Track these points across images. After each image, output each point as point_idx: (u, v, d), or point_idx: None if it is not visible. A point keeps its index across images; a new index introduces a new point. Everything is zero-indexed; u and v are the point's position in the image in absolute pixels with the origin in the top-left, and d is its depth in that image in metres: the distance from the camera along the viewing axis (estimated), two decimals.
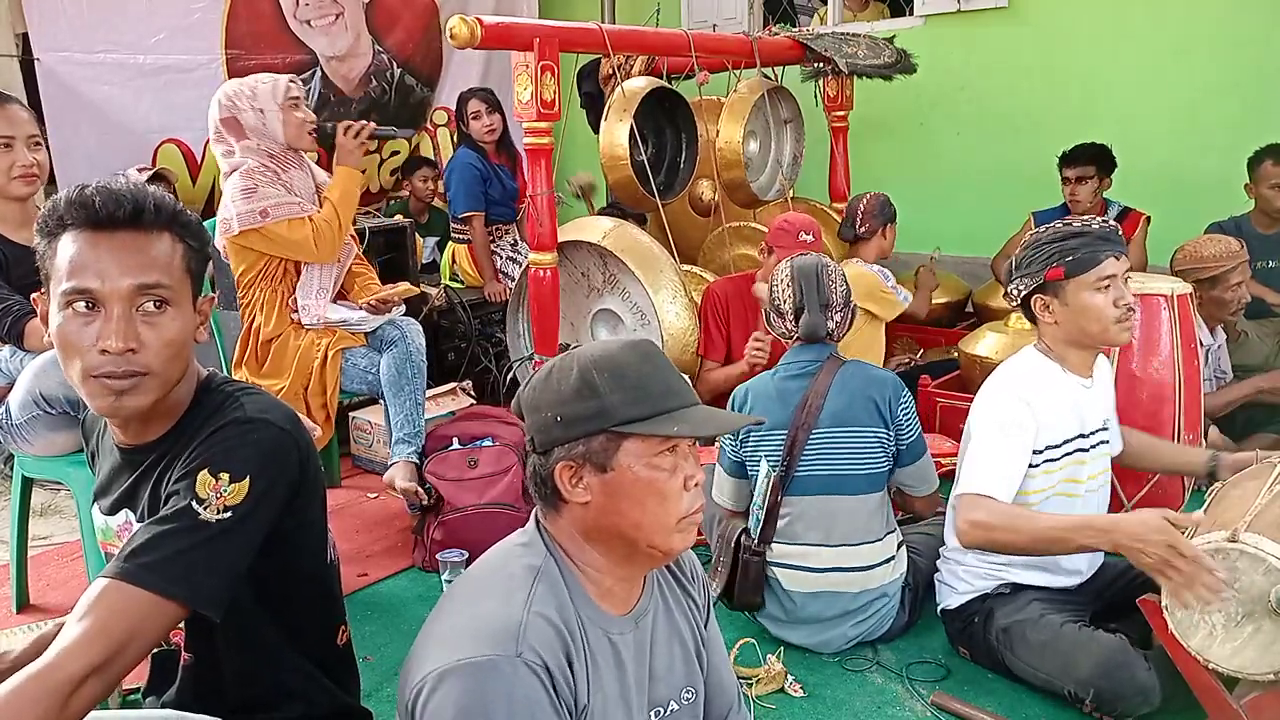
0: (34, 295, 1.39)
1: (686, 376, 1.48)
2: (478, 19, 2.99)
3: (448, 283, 4.72)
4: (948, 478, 2.69)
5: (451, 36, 3.00)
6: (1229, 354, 3.55)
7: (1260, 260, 3.74)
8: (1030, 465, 2.16)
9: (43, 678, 1.12)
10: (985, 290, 4.61)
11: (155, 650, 1.52)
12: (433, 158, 5.78)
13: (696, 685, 1.44)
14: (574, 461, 1.26)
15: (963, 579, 2.32)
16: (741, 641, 2.30)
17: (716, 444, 2.65)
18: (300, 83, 2.94)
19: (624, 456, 1.24)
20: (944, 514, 2.46)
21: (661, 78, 3.93)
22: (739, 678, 1.80)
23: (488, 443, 3.05)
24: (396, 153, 5.75)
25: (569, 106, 3.62)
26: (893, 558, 2.42)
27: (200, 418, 1.38)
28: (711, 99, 4.30)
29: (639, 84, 3.75)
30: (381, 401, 3.06)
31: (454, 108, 5.11)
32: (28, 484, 2.77)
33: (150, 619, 1.20)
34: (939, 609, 2.40)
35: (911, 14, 5.25)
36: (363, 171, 3.16)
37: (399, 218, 4.44)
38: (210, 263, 2.12)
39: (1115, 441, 2.39)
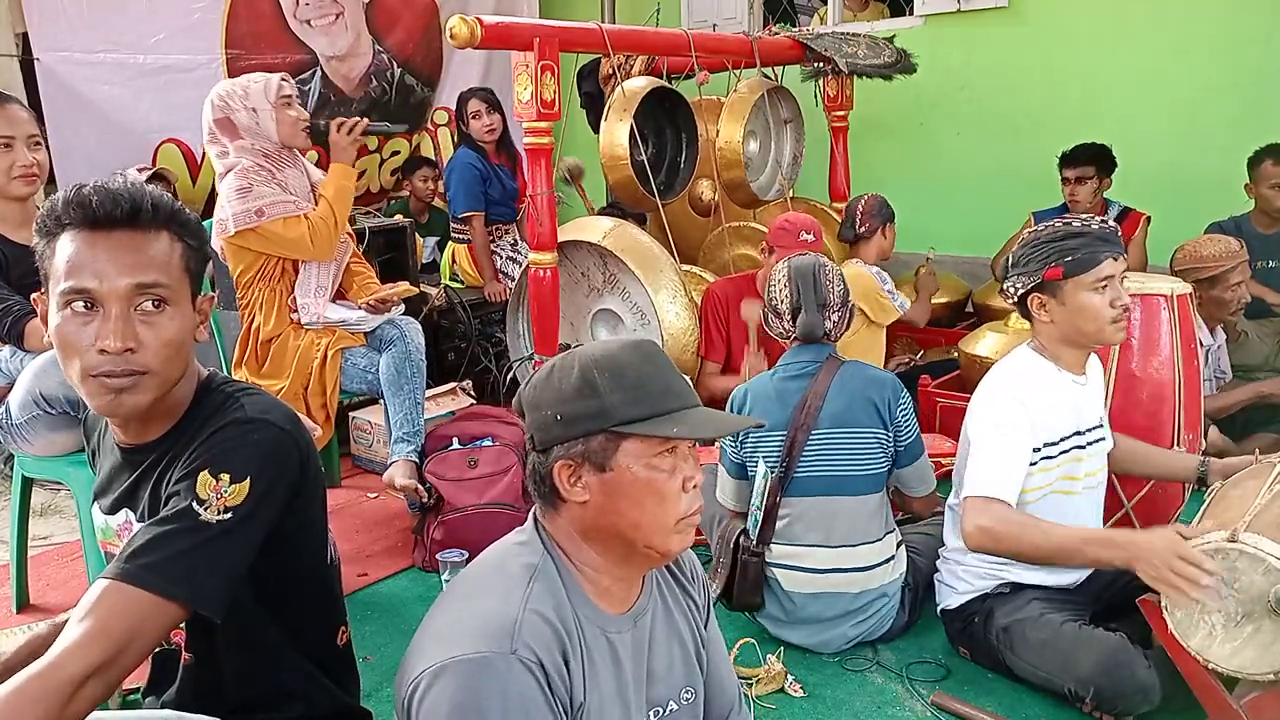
0: (34, 295, 1.39)
1: (687, 377, 1.48)
2: (478, 19, 2.99)
3: (448, 283, 4.72)
4: (946, 478, 2.70)
5: (451, 36, 3.00)
6: (1229, 354, 3.56)
7: (1260, 260, 3.74)
8: (1028, 464, 2.16)
9: (44, 678, 1.12)
10: (985, 290, 4.61)
11: (156, 650, 1.52)
12: (433, 157, 5.78)
13: (696, 685, 1.44)
14: (573, 460, 1.26)
15: (962, 579, 2.32)
16: (741, 641, 2.30)
17: (717, 445, 2.66)
18: (292, 81, 2.94)
19: (623, 456, 1.24)
20: (943, 514, 2.46)
21: (661, 78, 3.93)
22: (739, 678, 1.80)
23: (488, 443, 3.05)
24: (397, 153, 5.76)
25: (569, 106, 3.62)
26: (892, 558, 2.42)
27: (200, 418, 1.38)
28: (711, 99, 4.30)
29: (639, 84, 3.75)
30: (381, 401, 3.06)
31: (454, 107, 5.11)
32: (28, 484, 2.77)
33: (151, 620, 1.20)
34: (939, 609, 2.40)
35: (911, 14, 5.25)
36: (362, 173, 3.16)
37: (399, 217, 4.44)
38: (210, 262, 2.12)
39: (1109, 438, 2.40)
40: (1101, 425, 2.33)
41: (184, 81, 4.61)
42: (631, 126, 3.63)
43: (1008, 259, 2.27)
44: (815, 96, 4.51)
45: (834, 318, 2.47)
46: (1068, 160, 4.22)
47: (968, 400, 2.33)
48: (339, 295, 3.11)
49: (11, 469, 2.80)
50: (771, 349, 3.12)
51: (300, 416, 1.48)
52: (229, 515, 1.27)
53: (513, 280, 4.26)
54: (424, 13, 5.67)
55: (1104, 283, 2.12)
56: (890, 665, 2.36)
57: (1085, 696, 2.05)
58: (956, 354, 3.86)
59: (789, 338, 2.52)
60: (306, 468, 1.40)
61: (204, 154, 4.71)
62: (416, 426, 2.99)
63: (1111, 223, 2.21)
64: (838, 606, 2.37)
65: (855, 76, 4.37)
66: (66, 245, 1.28)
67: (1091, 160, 4.17)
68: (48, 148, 2.73)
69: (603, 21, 4.98)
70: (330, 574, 1.54)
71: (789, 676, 2.28)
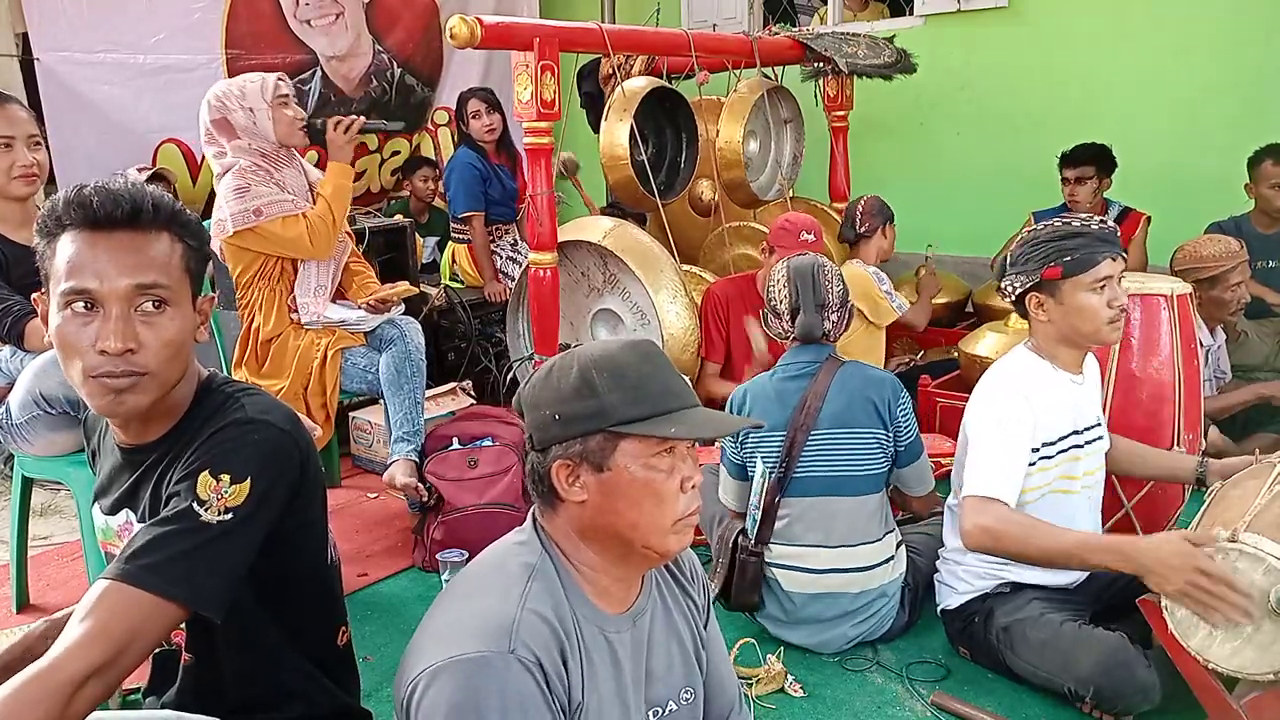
0: (34, 295, 1.39)
1: (686, 378, 1.48)
2: (478, 19, 2.99)
3: (448, 283, 4.72)
4: (946, 479, 2.70)
5: (451, 36, 3.00)
6: (1229, 354, 3.56)
7: (1260, 260, 3.74)
8: (1027, 464, 2.16)
9: (44, 679, 1.12)
10: (985, 290, 4.61)
11: (156, 651, 1.52)
12: (433, 157, 5.78)
13: (695, 685, 1.44)
14: (571, 460, 1.26)
15: (962, 579, 2.32)
16: (741, 641, 2.30)
17: (718, 445, 2.66)
18: (289, 80, 2.94)
19: (621, 456, 1.24)
20: (943, 514, 2.46)
21: (661, 78, 3.93)
22: (739, 678, 1.80)
23: (488, 443, 3.05)
24: (397, 153, 5.76)
25: (569, 106, 3.62)
26: (892, 558, 2.42)
27: (201, 418, 1.38)
28: (711, 99, 4.30)
29: (639, 84, 3.75)
30: (381, 401, 3.06)
31: (454, 107, 5.11)
32: (28, 484, 2.77)
33: (151, 620, 1.20)
34: (939, 609, 2.40)
35: (911, 14, 5.25)
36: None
37: (399, 217, 4.44)
38: (210, 263, 2.12)
39: (1108, 438, 2.40)
40: (1099, 425, 2.33)
41: (184, 81, 4.60)
42: (631, 126, 3.63)
43: (1005, 257, 2.27)
44: (815, 96, 4.51)
45: (833, 318, 2.47)
46: (1068, 160, 4.22)
47: (968, 400, 2.33)
48: (339, 295, 3.11)
49: (11, 469, 2.80)
50: (772, 344, 3.12)
51: (300, 416, 1.48)
52: (229, 516, 1.27)
53: (513, 280, 4.26)
54: (424, 13, 5.67)
55: (1102, 283, 2.12)
56: (890, 665, 2.36)
57: (1085, 696, 2.05)
58: (956, 354, 3.86)
59: (788, 338, 2.53)
60: (306, 468, 1.40)
61: (204, 154, 4.72)
62: (416, 426, 2.99)
63: (1110, 223, 2.21)
64: (838, 607, 2.37)
65: (855, 76, 4.37)
66: (67, 245, 1.27)
67: (1091, 160, 4.17)
68: (48, 148, 2.73)
69: (603, 21, 4.98)
70: (330, 574, 1.54)
71: (789, 676, 2.28)
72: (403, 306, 3.16)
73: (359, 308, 3.05)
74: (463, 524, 2.89)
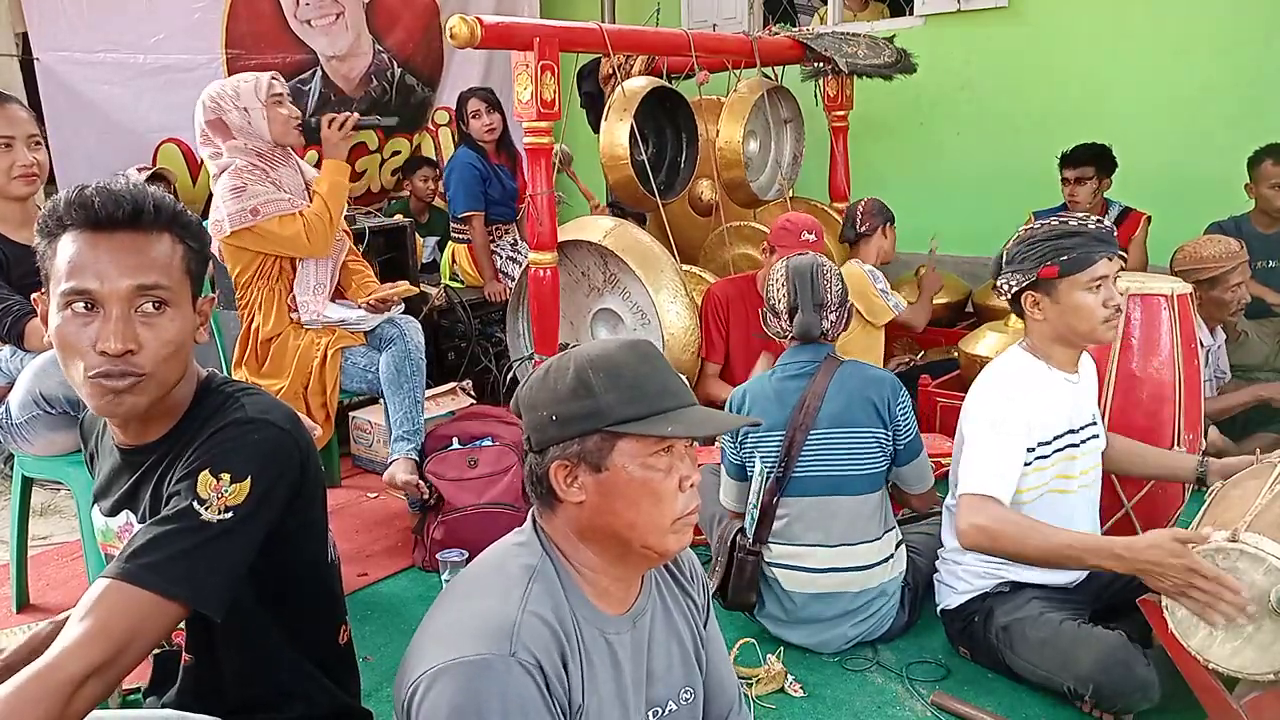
0: (34, 295, 1.39)
1: (686, 378, 1.48)
2: (478, 19, 2.99)
3: (448, 283, 4.72)
4: (946, 478, 2.70)
5: (451, 36, 3.00)
6: (1229, 354, 3.56)
7: (1260, 260, 3.74)
8: (1023, 464, 2.16)
9: (43, 678, 1.12)
10: (985, 290, 4.60)
11: (156, 651, 1.52)
12: (433, 157, 5.78)
13: (695, 685, 1.44)
14: (569, 461, 1.26)
15: (962, 579, 2.32)
16: (741, 641, 2.30)
17: (718, 445, 2.66)
18: (282, 79, 2.94)
19: (619, 456, 1.24)
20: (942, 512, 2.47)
21: (661, 77, 3.93)
22: (739, 678, 1.80)
23: (488, 443, 3.05)
24: (398, 153, 5.76)
25: (569, 106, 3.62)
26: (891, 556, 2.42)
27: (201, 418, 1.38)
28: (711, 99, 4.30)
29: (639, 84, 3.75)
30: (381, 401, 3.06)
31: (454, 107, 5.11)
32: (28, 484, 2.77)
33: (151, 619, 1.20)
34: (938, 609, 2.40)
35: (911, 14, 5.25)
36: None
37: (399, 217, 4.45)
38: (210, 263, 2.12)
39: (1103, 436, 2.40)
40: (1095, 424, 2.34)
41: (184, 81, 4.60)
42: (631, 126, 3.63)
43: (1001, 255, 2.27)
44: (815, 96, 4.51)
45: (831, 318, 2.47)
46: (1067, 160, 4.22)
47: None
48: (338, 294, 3.11)
49: (11, 469, 2.80)
50: (772, 344, 3.12)
51: (300, 416, 1.48)
52: (230, 515, 1.27)
53: (513, 280, 4.26)
54: (424, 13, 5.67)
55: (1098, 282, 2.13)
56: (890, 665, 2.36)
57: (1084, 694, 2.05)
58: (956, 354, 3.86)
59: (786, 337, 2.53)
60: (307, 467, 1.40)
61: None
62: (416, 425, 2.99)
63: (1107, 222, 2.21)
64: (838, 606, 2.37)
65: (855, 76, 4.37)
66: (68, 246, 1.27)
67: (1091, 160, 4.17)
68: (48, 148, 2.73)
69: (603, 21, 4.98)
70: (330, 574, 1.54)
71: (789, 676, 2.28)
72: (402, 306, 3.16)
73: (359, 307, 3.05)
74: (463, 524, 2.89)
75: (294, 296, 2.98)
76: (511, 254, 4.59)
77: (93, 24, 4.42)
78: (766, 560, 2.41)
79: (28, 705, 1.09)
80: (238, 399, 1.39)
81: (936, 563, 2.43)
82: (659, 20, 4.69)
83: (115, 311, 1.26)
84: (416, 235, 4.57)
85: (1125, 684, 2.00)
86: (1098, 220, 2.19)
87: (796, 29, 4.60)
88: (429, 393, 3.40)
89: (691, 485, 1.29)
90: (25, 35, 4.29)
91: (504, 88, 4.45)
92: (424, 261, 5.09)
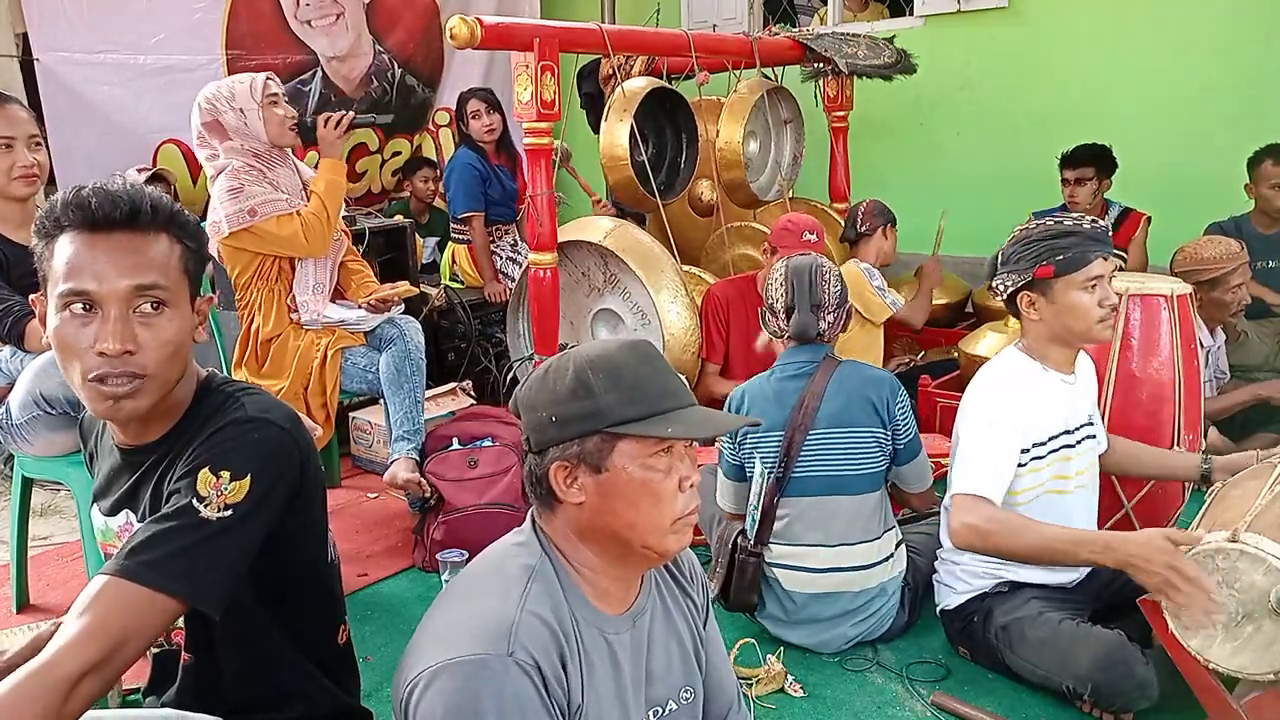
0: (32, 297, 1.38)
1: (686, 378, 1.48)
2: (478, 19, 2.99)
3: (448, 283, 4.72)
4: (945, 478, 2.70)
5: (452, 37, 3.00)
6: (1229, 354, 3.56)
7: (1260, 260, 3.74)
8: (1018, 465, 2.17)
9: (41, 675, 1.12)
10: (985, 290, 4.59)
11: (156, 650, 1.52)
12: (434, 158, 5.79)
13: (695, 685, 1.44)
14: (568, 462, 1.26)
15: (961, 579, 2.32)
16: (741, 641, 2.30)
17: (717, 445, 2.65)
18: (278, 79, 2.94)
19: (618, 457, 1.24)
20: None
21: (661, 78, 3.93)
22: (739, 678, 1.80)
23: (488, 443, 3.05)
24: (398, 153, 5.76)
25: (569, 106, 3.62)
26: (891, 555, 2.42)
27: (200, 418, 1.38)
28: (711, 99, 4.30)
29: (639, 84, 3.75)
30: (381, 401, 3.06)
31: (454, 108, 5.11)
32: (28, 484, 2.77)
33: (149, 616, 1.20)
34: (938, 609, 2.40)
35: (911, 14, 5.25)
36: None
37: (399, 218, 4.45)
38: (209, 264, 2.12)
39: (1102, 437, 2.40)
40: (1092, 424, 2.34)
41: (184, 82, 4.59)
42: (631, 127, 3.63)
43: (997, 256, 2.27)
44: (815, 97, 4.51)
45: (829, 318, 2.47)
46: (1067, 161, 4.21)
47: None
48: (338, 295, 3.11)
49: (11, 469, 2.80)
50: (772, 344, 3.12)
51: (300, 416, 1.48)
52: (229, 513, 1.27)
53: (513, 280, 4.26)
54: (425, 13, 5.67)
55: (1094, 282, 2.13)
56: (890, 665, 2.36)
57: (1084, 694, 2.05)
58: (956, 354, 3.86)
59: (783, 336, 2.52)
60: (307, 467, 1.40)
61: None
62: (416, 425, 2.99)
63: (1102, 222, 2.21)
64: (838, 606, 2.37)
65: (855, 77, 4.37)
66: (65, 247, 1.27)
67: (1091, 161, 4.17)
68: (48, 148, 2.73)
69: (603, 22, 4.98)
70: (330, 573, 1.54)
71: (789, 676, 2.28)
72: (402, 306, 3.16)
73: (359, 307, 3.05)
74: (463, 524, 2.89)
75: (294, 297, 2.98)
76: (511, 254, 4.59)
77: (93, 24, 4.41)
78: (767, 560, 2.40)
79: (25, 702, 1.09)
80: (238, 398, 1.39)
81: (936, 563, 2.43)
82: (659, 21, 4.69)
83: (113, 312, 1.26)
84: (416, 236, 4.57)
85: (1124, 683, 2.00)
86: (1093, 220, 2.19)
87: (796, 29, 4.60)
88: (429, 393, 3.40)
89: (691, 485, 1.29)
90: (25, 35, 4.29)
91: (504, 88, 4.45)
92: (424, 262, 5.09)
